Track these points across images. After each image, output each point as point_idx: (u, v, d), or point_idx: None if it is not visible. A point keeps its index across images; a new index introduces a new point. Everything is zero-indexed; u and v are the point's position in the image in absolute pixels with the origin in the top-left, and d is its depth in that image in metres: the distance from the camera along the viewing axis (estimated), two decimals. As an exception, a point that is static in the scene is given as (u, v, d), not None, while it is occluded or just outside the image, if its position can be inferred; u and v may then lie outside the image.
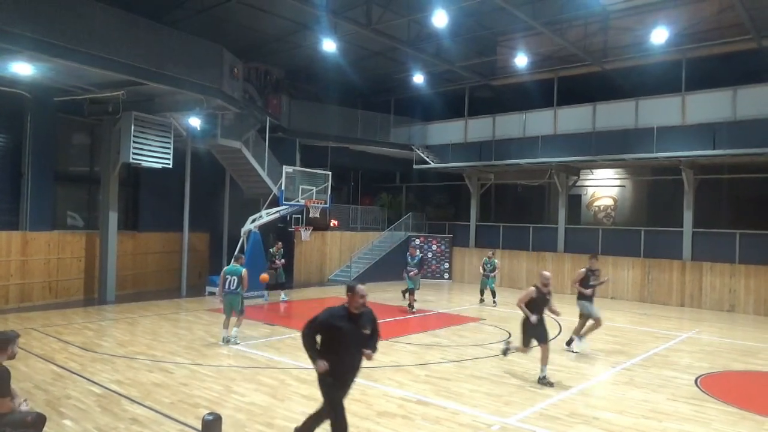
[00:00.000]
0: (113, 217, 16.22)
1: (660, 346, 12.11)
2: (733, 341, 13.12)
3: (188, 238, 18.05)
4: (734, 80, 18.31)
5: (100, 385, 7.97)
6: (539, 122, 22.52)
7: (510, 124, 23.34)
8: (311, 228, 19.55)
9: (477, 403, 7.67)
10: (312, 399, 7.58)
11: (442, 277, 24.36)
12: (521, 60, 20.63)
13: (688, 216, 19.45)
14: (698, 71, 18.86)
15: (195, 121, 16.72)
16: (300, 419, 6.79)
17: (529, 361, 10.21)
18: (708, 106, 18.68)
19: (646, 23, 18.28)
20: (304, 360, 9.62)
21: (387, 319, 14.53)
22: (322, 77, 23.93)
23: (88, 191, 17.40)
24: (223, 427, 5.19)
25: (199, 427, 5.26)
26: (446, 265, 24.57)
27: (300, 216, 20.27)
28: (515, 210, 26.40)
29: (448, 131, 25.26)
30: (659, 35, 17.67)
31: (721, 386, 9.08)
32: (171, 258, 18.99)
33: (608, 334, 13.36)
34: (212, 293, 17.54)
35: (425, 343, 11.55)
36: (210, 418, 4.93)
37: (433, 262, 24.55)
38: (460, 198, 27.43)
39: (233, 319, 10.91)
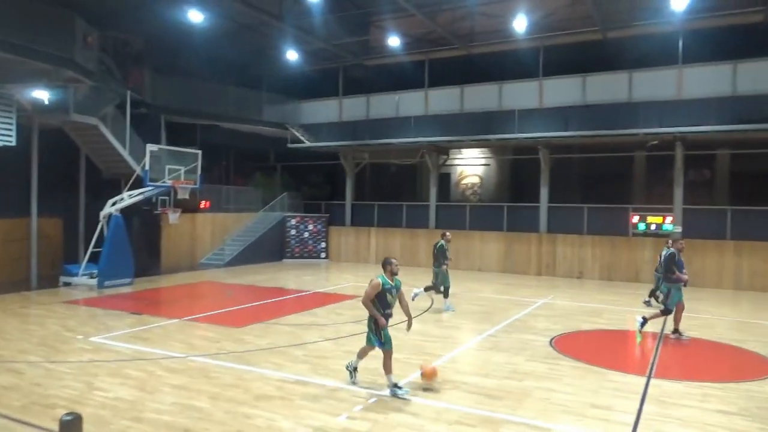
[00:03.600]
0: (-58, 202, 14.22)
1: (520, 312, 13.16)
2: (582, 304, 14.61)
3: (37, 223, 16.32)
4: (584, 68, 20.10)
5: (-68, 392, 7.03)
6: (411, 103, 23.15)
7: (384, 104, 23.75)
8: (180, 210, 18.57)
9: (355, 378, 7.83)
10: (183, 389, 7.29)
11: (318, 257, 24.39)
12: (394, 41, 21.01)
13: (544, 192, 21.17)
14: (554, 58, 20.45)
15: (42, 94, 15.05)
16: (172, 411, 6.52)
17: (403, 333, 10.59)
18: (561, 91, 20.37)
19: (508, 10, 19.37)
20: (175, 349, 9.24)
21: (262, 302, 14.31)
22: (190, 50, 22.52)
23: None
24: (85, 426, 4.82)
25: (57, 429, 4.84)
26: (323, 245, 24.62)
27: (167, 198, 19.15)
28: (389, 189, 27.04)
29: (323, 110, 25.15)
30: (519, 23, 18.86)
31: (571, 345, 10.10)
32: (17, 246, 17.05)
33: (475, 304, 14.25)
34: (68, 283, 16.10)
35: (303, 323, 11.55)
36: (68, 418, 4.54)
37: (310, 242, 24.48)
38: (335, 177, 27.52)
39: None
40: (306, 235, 24.40)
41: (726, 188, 21.63)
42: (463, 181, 26.75)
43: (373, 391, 7.31)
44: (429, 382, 7.49)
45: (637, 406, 6.98)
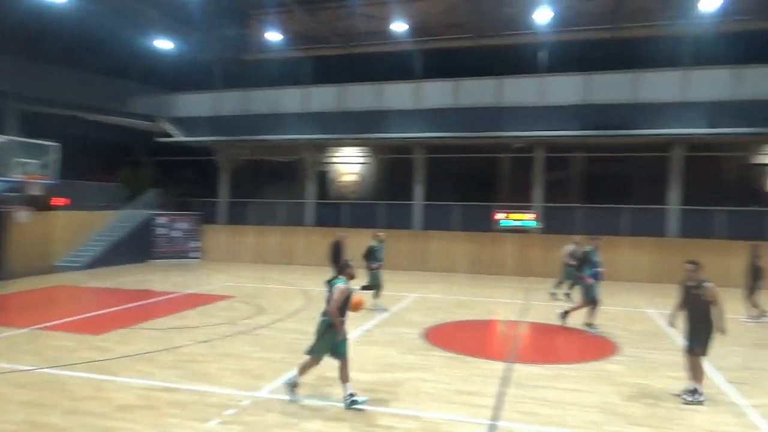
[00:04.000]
0: None
1: (394, 307, 13.54)
2: (451, 297, 15.36)
3: None
4: (458, 72, 21.14)
5: None
6: (291, 100, 22.91)
7: (263, 100, 23.26)
8: (31, 208, 16.80)
9: (228, 381, 7.61)
10: (34, 405, 6.63)
11: (189, 257, 23.29)
12: (274, 36, 20.67)
13: (419, 190, 21.96)
14: (430, 62, 21.34)
15: None
16: (20, 430, 5.91)
17: (279, 333, 10.48)
18: (437, 93, 21.27)
19: (388, 13, 19.82)
20: (24, 361, 8.37)
21: (126, 306, 13.40)
22: (49, 34, 20.41)
23: None
24: None
25: None
26: (195, 244, 23.54)
27: (16, 194, 17.23)
28: (267, 186, 26.52)
29: (198, 104, 24.10)
30: (398, 26, 19.41)
31: (442, 336, 10.58)
32: None
33: (353, 301, 14.45)
34: None
35: (172, 327, 10.97)
36: None
37: (180, 241, 23.30)
38: (210, 173, 26.44)
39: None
40: (176, 233, 23.17)
41: (580, 188, 23.82)
42: (342, 179, 26.94)
43: (246, 393, 7.14)
44: (357, 312, 7.17)
45: (500, 389, 7.48)
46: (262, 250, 23.31)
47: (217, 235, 24.04)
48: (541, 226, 20.46)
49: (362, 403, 6.71)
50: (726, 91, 18.61)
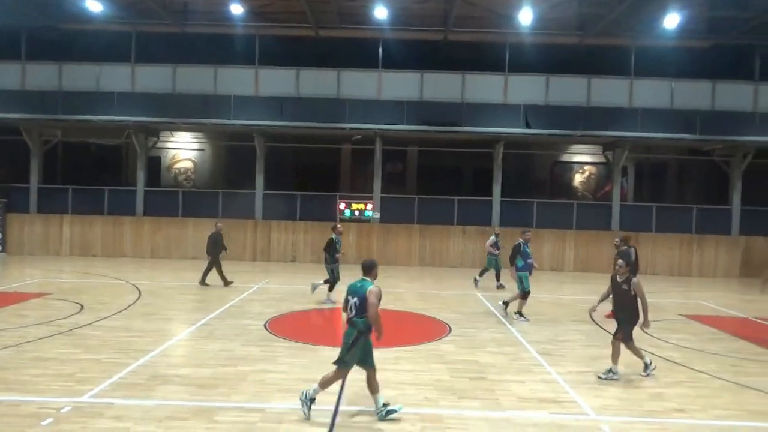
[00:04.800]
0: None
1: (236, 298, 13.17)
2: (295, 287, 15.32)
3: None
4: (298, 61, 20.99)
5: None
6: (116, 77, 20.96)
7: (82, 75, 20.97)
8: None
9: (43, 387, 6.81)
10: None
11: (-6, 250, 20.36)
12: (95, 5, 18.62)
13: (259, 179, 21.49)
14: (270, 48, 20.87)
15: None
16: None
17: (104, 331, 9.63)
18: (277, 81, 20.90)
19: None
20: None
21: None
22: None
23: None
24: None
25: None
26: None
27: None
28: (88, 171, 23.99)
29: (0, 75, 20.94)
30: (235, 8, 18.68)
31: (285, 326, 10.52)
32: None
33: (187, 293, 13.78)
34: None
35: (-29, 331, 9.52)
36: None
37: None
38: (18, 156, 23.19)
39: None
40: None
41: (414, 180, 25.14)
42: (176, 166, 25.36)
43: (67, 399, 6.45)
44: None
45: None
46: (84, 241, 21.11)
47: (29, 226, 21.26)
48: (378, 216, 21.25)
49: (398, 410, 6.28)
50: (539, 95, 20.92)
